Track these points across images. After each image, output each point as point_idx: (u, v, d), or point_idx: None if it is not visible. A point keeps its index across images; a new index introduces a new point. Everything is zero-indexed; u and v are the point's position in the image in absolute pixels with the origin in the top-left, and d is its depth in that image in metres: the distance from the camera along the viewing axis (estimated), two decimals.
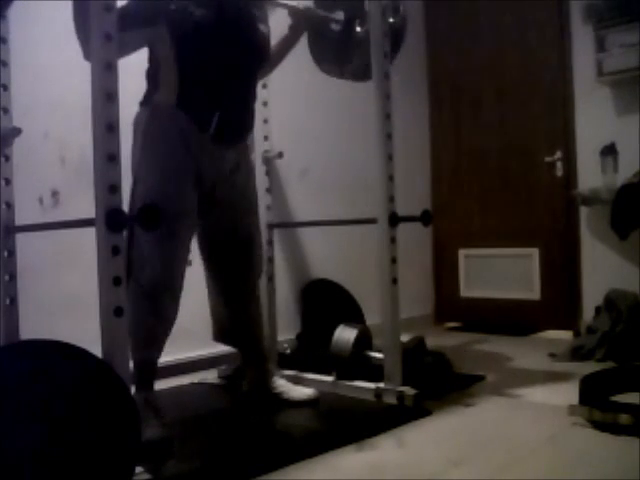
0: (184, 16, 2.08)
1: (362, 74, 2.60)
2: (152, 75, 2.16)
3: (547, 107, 3.77)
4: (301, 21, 2.51)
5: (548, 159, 3.74)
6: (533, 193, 3.84)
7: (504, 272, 3.98)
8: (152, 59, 2.17)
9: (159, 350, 2.14)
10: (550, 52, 3.73)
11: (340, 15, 2.67)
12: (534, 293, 3.86)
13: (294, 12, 2.49)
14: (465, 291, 4.18)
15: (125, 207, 1.64)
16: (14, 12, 2.09)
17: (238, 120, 2.26)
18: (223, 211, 2.27)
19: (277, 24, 2.47)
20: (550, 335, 3.73)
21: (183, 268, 2.14)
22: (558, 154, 3.71)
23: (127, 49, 1.95)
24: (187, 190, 2.13)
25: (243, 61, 2.24)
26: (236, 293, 2.38)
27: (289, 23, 2.50)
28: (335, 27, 2.69)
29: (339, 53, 2.74)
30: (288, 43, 2.53)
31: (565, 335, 3.62)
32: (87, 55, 1.79)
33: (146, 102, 2.16)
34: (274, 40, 2.44)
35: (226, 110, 2.17)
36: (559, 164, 3.71)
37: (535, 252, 3.84)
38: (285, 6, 2.50)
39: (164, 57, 2.11)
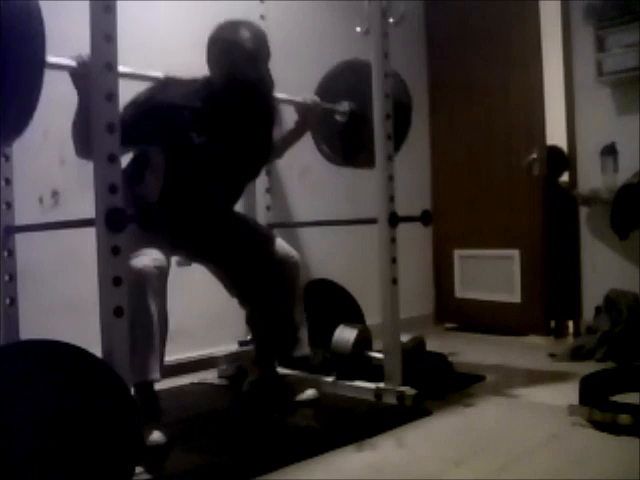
0: (183, 143, 2.09)
1: (371, 162, 2.53)
2: (138, 162, 2.19)
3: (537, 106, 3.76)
4: (307, 117, 2.51)
5: (529, 158, 3.73)
6: (530, 193, 3.83)
7: (498, 273, 3.98)
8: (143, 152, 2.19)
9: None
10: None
11: (345, 106, 2.66)
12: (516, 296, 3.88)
13: (301, 108, 2.50)
14: (460, 292, 4.18)
15: None
16: None
17: (213, 230, 2.31)
18: (225, 247, 2.32)
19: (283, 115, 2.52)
20: (545, 338, 3.72)
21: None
22: (534, 154, 3.70)
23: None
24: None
25: (233, 182, 2.31)
26: (269, 313, 2.42)
27: (295, 119, 2.52)
28: (340, 118, 2.69)
29: (343, 143, 2.74)
30: (293, 138, 2.56)
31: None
32: (80, 153, 1.85)
33: (126, 185, 1.98)
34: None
35: (201, 224, 2.24)
36: (536, 164, 3.70)
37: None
38: (292, 102, 2.51)
39: (153, 166, 2.14)
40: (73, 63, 1.84)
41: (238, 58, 2.11)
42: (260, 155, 2.39)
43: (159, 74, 2.19)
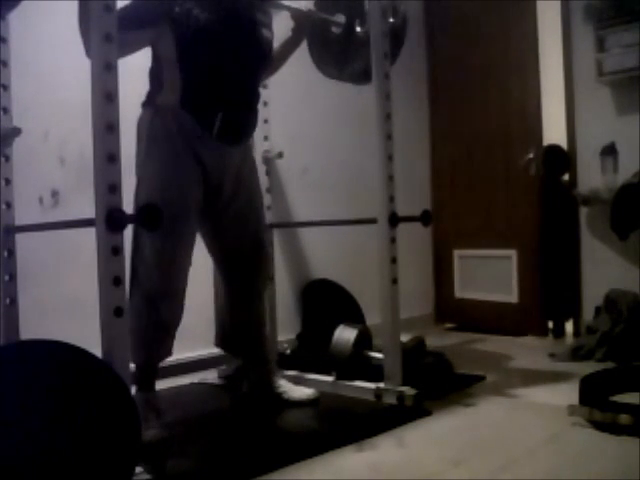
0: (188, 19, 2.08)
1: (362, 77, 2.59)
2: (155, 75, 2.17)
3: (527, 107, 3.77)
4: (303, 24, 2.51)
5: (526, 158, 3.74)
6: (528, 193, 3.83)
7: (497, 273, 3.98)
8: (155, 59, 2.17)
9: (166, 351, 2.16)
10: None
11: (341, 18, 2.68)
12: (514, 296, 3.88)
13: (297, 15, 2.49)
14: (459, 292, 4.18)
15: (126, 207, 1.63)
16: (14, 12, 2.09)
17: (241, 120, 2.26)
18: (232, 210, 2.28)
19: (279, 27, 2.47)
20: (543, 338, 3.73)
21: (186, 269, 2.15)
22: (531, 154, 3.71)
23: (129, 49, 1.95)
24: (191, 191, 2.13)
25: (246, 63, 2.25)
26: (243, 293, 2.38)
27: (291, 26, 2.50)
28: (336, 30, 2.70)
29: (339, 56, 2.74)
30: (290, 46, 2.54)
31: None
32: (89, 52, 1.80)
33: (149, 103, 2.16)
34: (276, 43, 2.44)
35: (229, 111, 2.17)
36: (533, 164, 3.71)
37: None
38: (288, 9, 2.51)
39: (167, 58, 2.12)
40: None
41: None
42: (265, 40, 2.35)
43: None
